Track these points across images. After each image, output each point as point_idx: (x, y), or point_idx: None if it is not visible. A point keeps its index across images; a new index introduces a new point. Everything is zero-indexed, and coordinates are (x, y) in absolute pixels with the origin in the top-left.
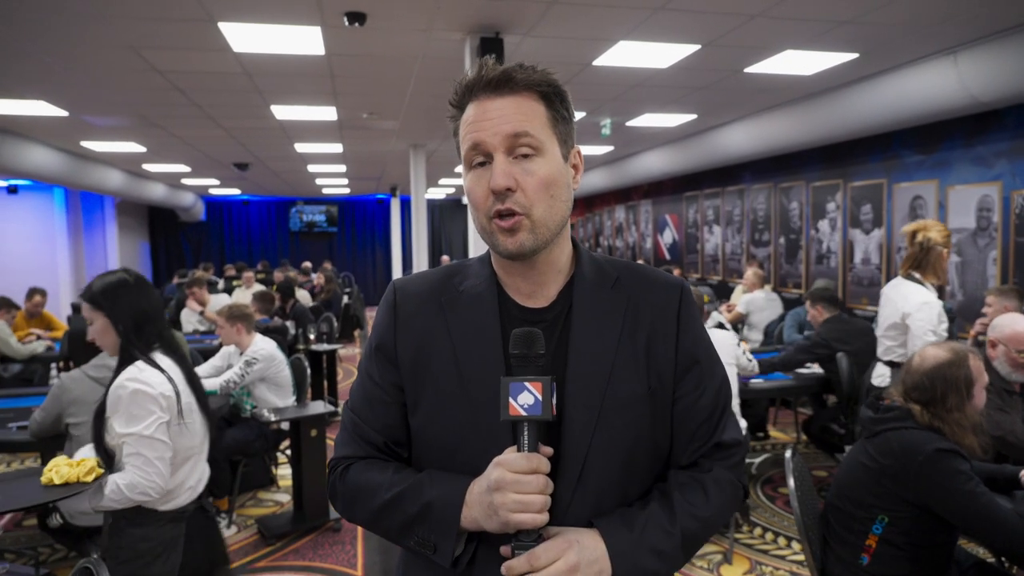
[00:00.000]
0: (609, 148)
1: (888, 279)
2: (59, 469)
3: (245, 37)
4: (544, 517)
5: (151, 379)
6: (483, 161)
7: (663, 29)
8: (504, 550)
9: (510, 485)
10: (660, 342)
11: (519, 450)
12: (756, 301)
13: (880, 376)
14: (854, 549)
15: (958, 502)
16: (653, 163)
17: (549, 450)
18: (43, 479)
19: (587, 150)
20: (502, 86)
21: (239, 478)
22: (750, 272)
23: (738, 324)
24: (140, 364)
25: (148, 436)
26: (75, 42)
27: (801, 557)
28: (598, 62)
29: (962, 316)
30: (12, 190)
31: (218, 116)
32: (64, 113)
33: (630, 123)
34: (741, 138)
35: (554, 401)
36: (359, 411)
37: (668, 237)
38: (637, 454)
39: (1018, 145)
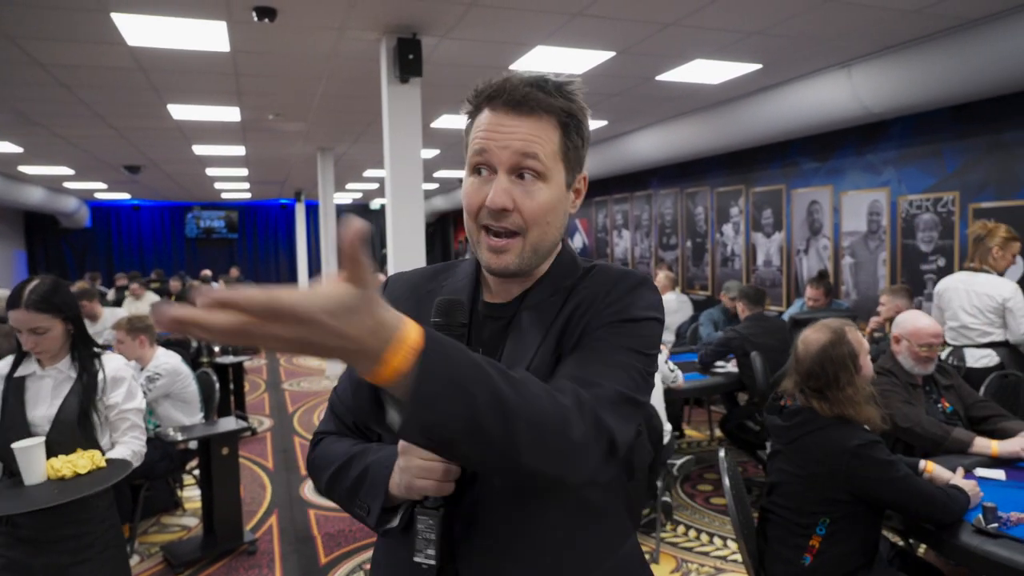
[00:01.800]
0: None
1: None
2: (73, 462)
3: (141, 30)
4: (448, 486)
5: (127, 365)
6: (485, 171)
7: (580, 35)
8: None
9: (414, 449)
10: (586, 317)
11: None
12: (668, 303)
13: (986, 356)
14: (796, 550)
15: (894, 488)
16: None
17: None
18: (66, 473)
19: None
20: (521, 106)
21: (141, 503)
22: (661, 275)
23: None
24: (111, 354)
25: (143, 410)
26: None
27: (725, 553)
28: (515, 66)
29: (856, 315)
30: None
31: (108, 115)
32: None
33: None
34: (650, 144)
35: None
36: (340, 391)
37: (578, 241)
38: None
39: (904, 153)
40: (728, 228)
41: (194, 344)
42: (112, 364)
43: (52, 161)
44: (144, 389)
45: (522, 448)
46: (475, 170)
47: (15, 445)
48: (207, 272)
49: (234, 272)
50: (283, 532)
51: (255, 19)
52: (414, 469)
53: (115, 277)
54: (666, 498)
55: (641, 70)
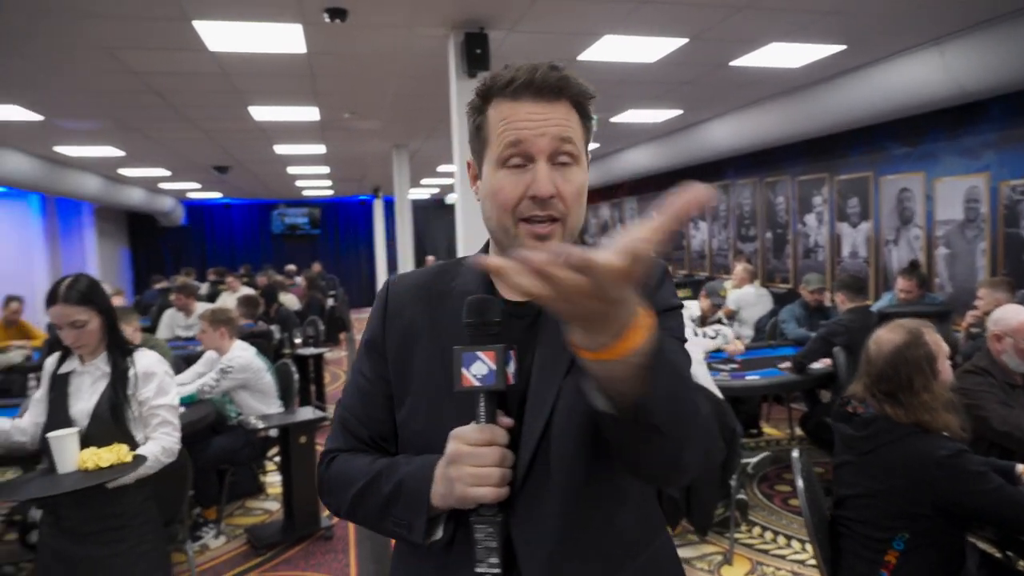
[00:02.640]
0: (594, 145)
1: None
2: (100, 455)
3: (221, 36)
4: (503, 491)
5: (159, 362)
6: (520, 163)
7: (649, 22)
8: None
9: (465, 458)
10: None
11: (476, 422)
12: (746, 297)
13: None
14: (871, 565)
15: (986, 500)
16: (638, 159)
17: (508, 421)
18: (90, 466)
19: None
20: (549, 93)
21: (227, 487)
22: (739, 267)
23: (727, 320)
24: (145, 350)
25: (176, 406)
26: (50, 44)
27: (802, 557)
28: (583, 57)
29: (952, 309)
30: None
31: (196, 118)
32: (39, 117)
33: (615, 119)
34: (726, 133)
35: (512, 371)
36: (349, 406)
37: None
38: (595, 428)
39: (1005, 135)
40: (811, 218)
41: (276, 336)
42: (144, 360)
43: (149, 163)
44: (216, 379)
45: (692, 442)
46: (505, 163)
47: (49, 434)
48: (291, 267)
49: (316, 267)
50: None
51: (327, 20)
52: (467, 478)
53: (207, 272)
54: (741, 495)
55: (715, 56)
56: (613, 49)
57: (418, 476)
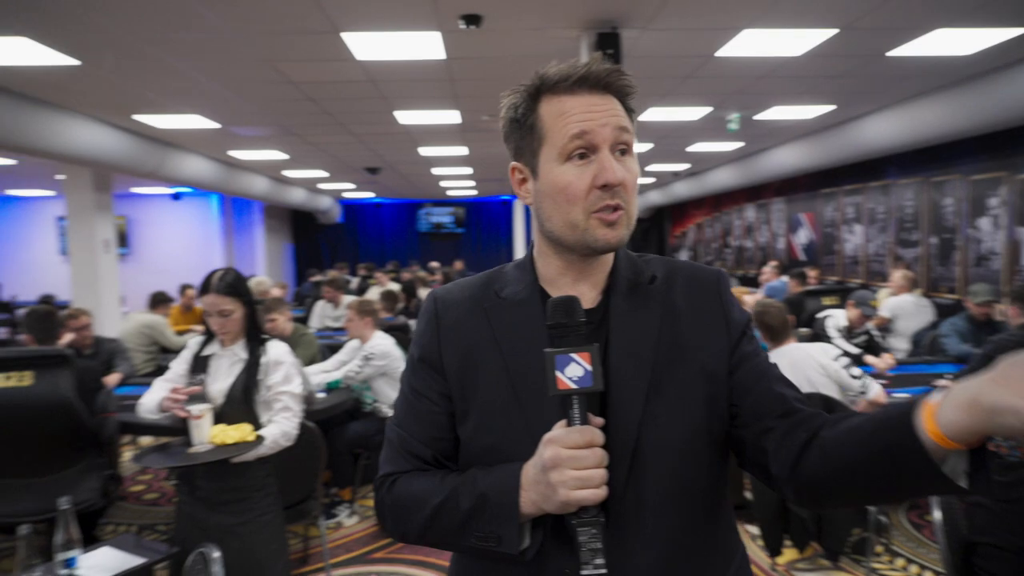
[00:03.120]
0: (738, 144)
1: None
2: (227, 432)
3: (367, 46)
4: (604, 491)
5: (288, 352)
6: (585, 154)
7: (793, 14)
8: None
9: (567, 462)
10: (705, 324)
11: (569, 425)
12: (904, 306)
13: None
14: None
15: None
16: (786, 158)
17: (600, 420)
18: (218, 441)
19: (713, 146)
20: (602, 87)
21: (361, 470)
22: (898, 274)
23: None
24: (276, 341)
25: (299, 394)
26: (221, 59)
27: None
28: (721, 53)
29: None
30: (176, 197)
31: (347, 123)
32: (216, 125)
33: (759, 116)
34: (886, 129)
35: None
36: (405, 425)
37: (803, 237)
38: (689, 433)
39: None
40: (984, 222)
41: (413, 329)
42: (275, 350)
43: (309, 165)
44: (360, 366)
45: None
46: (571, 156)
47: (187, 407)
48: (435, 264)
49: (458, 265)
50: None
51: (463, 27)
52: (571, 482)
53: (358, 267)
54: (882, 518)
55: (869, 47)
56: (754, 44)
57: (503, 487)
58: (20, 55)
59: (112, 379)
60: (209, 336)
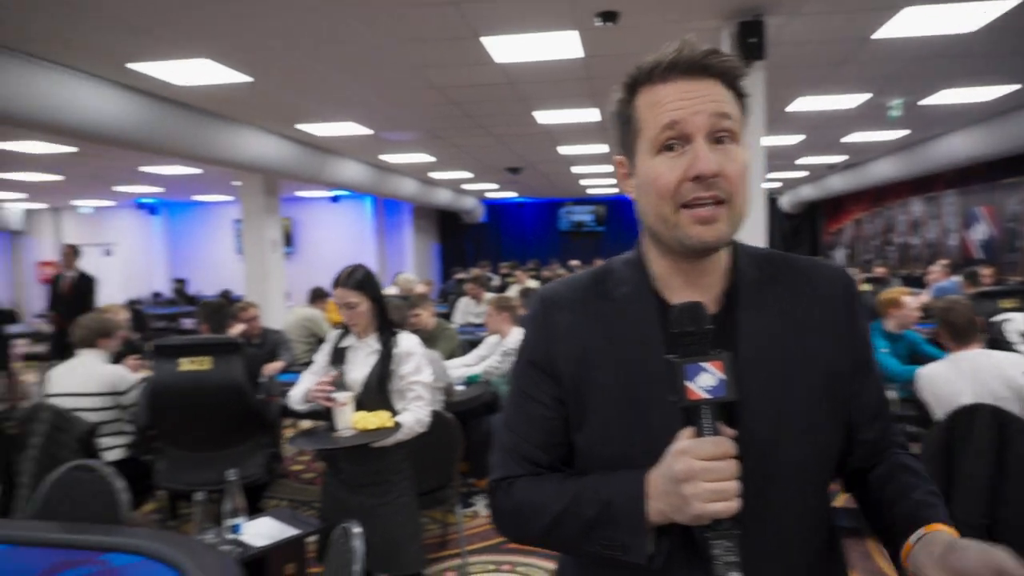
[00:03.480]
0: (902, 132)
1: None
2: (367, 419)
3: (505, 48)
4: (738, 504)
5: (419, 344)
6: (678, 145)
7: None
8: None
9: (700, 474)
10: (831, 336)
11: (700, 435)
12: None
13: None
14: None
15: None
16: (959, 146)
17: (732, 432)
18: (359, 427)
19: (873, 136)
20: (700, 71)
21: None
22: None
23: None
24: (407, 333)
25: (430, 384)
26: (373, 69)
27: None
28: (879, 35)
29: None
30: (335, 199)
31: (489, 125)
32: (369, 131)
33: (925, 101)
34: None
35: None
36: (517, 429)
37: (980, 232)
38: (815, 447)
39: None
40: None
41: None
42: (406, 342)
43: (454, 167)
44: (500, 361)
45: None
46: (663, 148)
47: (331, 395)
48: (575, 262)
49: (597, 263)
50: None
51: (600, 24)
52: (705, 494)
53: (499, 266)
54: None
55: None
56: (917, 22)
57: (628, 494)
58: (202, 75)
59: (275, 367)
60: (347, 329)
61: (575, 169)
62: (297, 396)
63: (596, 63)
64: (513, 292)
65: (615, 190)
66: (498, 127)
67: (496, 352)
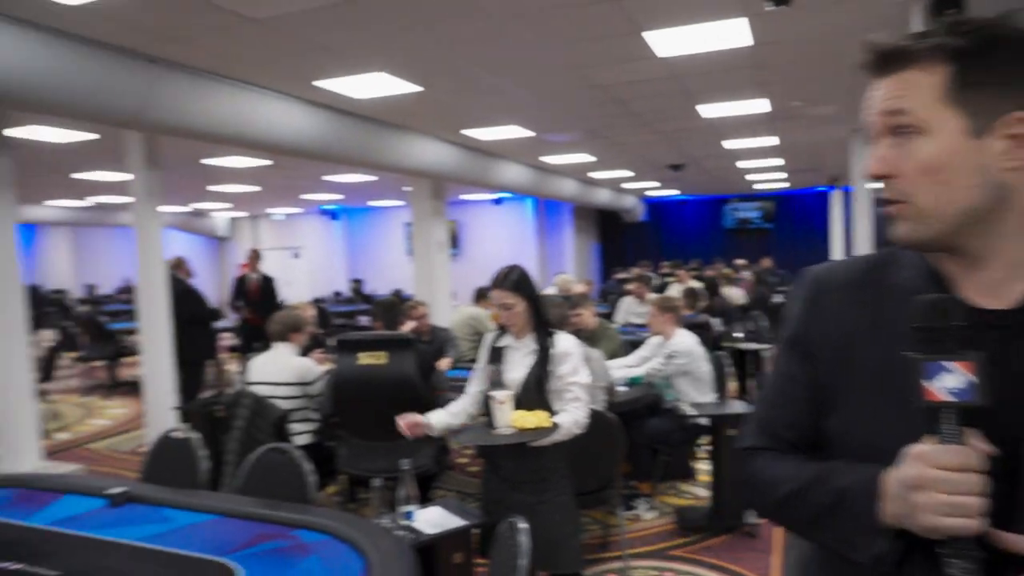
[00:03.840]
0: None
1: None
2: (526, 417)
3: (668, 42)
4: (980, 523)
5: (576, 344)
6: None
7: None
8: None
9: (933, 484)
10: None
11: (941, 442)
12: None
13: None
14: None
15: None
16: None
17: (983, 444)
18: (518, 425)
19: None
20: (882, 66)
21: (661, 466)
22: None
23: None
24: (564, 334)
25: (587, 385)
26: (534, 72)
27: None
28: None
29: None
30: (497, 202)
31: (651, 121)
32: (531, 134)
33: None
34: None
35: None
36: (769, 404)
37: None
38: None
39: None
40: None
41: (717, 328)
42: (563, 342)
43: (615, 166)
44: (663, 363)
45: None
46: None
47: (490, 392)
48: (740, 261)
49: (765, 262)
50: None
51: (771, 7)
52: (936, 507)
53: (660, 265)
54: None
55: None
56: None
57: (863, 490)
58: (378, 88)
59: (443, 363)
60: (503, 329)
61: (741, 164)
62: (453, 410)
63: (766, 51)
64: (675, 292)
65: (785, 185)
66: (660, 123)
67: (659, 354)
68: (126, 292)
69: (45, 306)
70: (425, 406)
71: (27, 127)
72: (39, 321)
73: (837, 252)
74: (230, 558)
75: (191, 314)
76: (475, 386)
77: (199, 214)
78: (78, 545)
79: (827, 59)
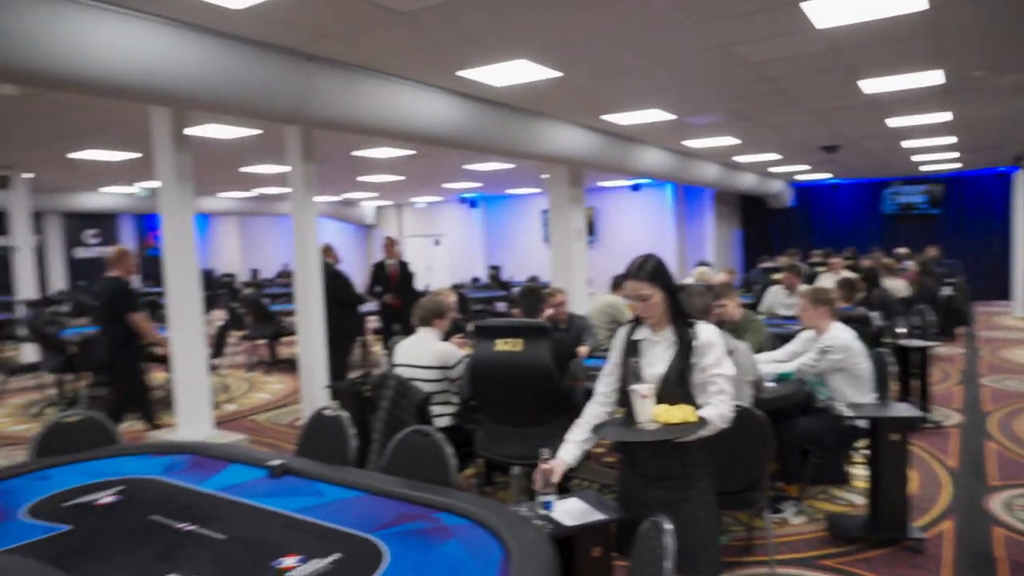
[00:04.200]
0: None
1: None
2: (670, 412)
3: (829, 11)
4: None
5: (719, 334)
6: None
7: None
8: None
9: None
10: None
11: None
12: None
13: None
14: None
15: None
16: None
17: None
18: (662, 420)
19: None
20: None
21: (810, 469)
22: None
23: None
24: (704, 324)
25: (732, 376)
26: (678, 52)
27: None
28: None
29: None
30: (635, 188)
31: (804, 100)
32: (672, 117)
33: None
34: None
35: None
36: None
37: None
38: None
39: None
40: None
41: (877, 323)
42: (705, 332)
43: (761, 149)
44: (816, 359)
45: None
46: None
47: (632, 387)
48: (902, 250)
49: (931, 251)
50: (959, 542)
51: None
52: None
53: (809, 254)
54: None
55: None
56: None
57: None
58: (518, 74)
59: (581, 351)
60: (637, 321)
61: (906, 144)
62: (581, 437)
63: (943, 15)
64: (828, 282)
65: (956, 166)
66: (815, 101)
67: (812, 349)
68: (285, 276)
69: (216, 289)
70: (560, 395)
71: (203, 126)
72: (211, 302)
73: (1020, 240)
74: (376, 535)
75: (338, 297)
76: (604, 386)
77: (349, 203)
78: (241, 512)
79: (1020, 21)
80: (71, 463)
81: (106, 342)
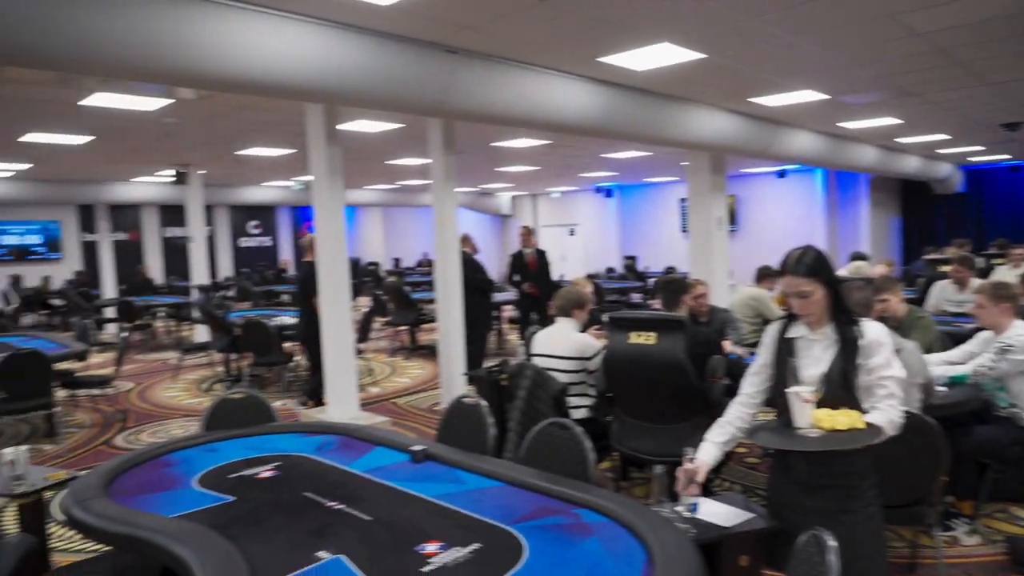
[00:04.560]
0: None
1: None
2: (835, 418)
3: None
4: None
5: (887, 333)
6: None
7: None
8: None
9: None
10: None
11: None
12: None
13: None
14: None
15: None
16: None
17: None
18: (825, 426)
19: None
20: None
21: (988, 484)
22: None
23: None
24: (870, 321)
25: (902, 378)
26: (837, 25)
27: None
28: None
29: None
30: (781, 174)
31: (985, 71)
32: (825, 97)
33: None
34: None
35: None
36: None
37: None
38: None
39: None
40: None
41: None
42: (872, 330)
43: (928, 130)
44: (995, 360)
45: None
46: None
47: (790, 389)
48: None
49: None
50: None
51: None
52: None
53: (988, 244)
54: None
55: None
56: None
57: None
58: (660, 58)
59: (727, 345)
60: (790, 317)
61: None
62: (722, 439)
63: None
64: (1008, 276)
65: None
66: (998, 72)
67: (989, 348)
68: (425, 265)
69: (362, 277)
70: (696, 392)
71: (352, 122)
72: (358, 290)
73: None
74: (515, 527)
75: (472, 283)
76: (750, 386)
77: (486, 194)
78: (385, 494)
79: None
80: (235, 437)
81: (303, 320)
